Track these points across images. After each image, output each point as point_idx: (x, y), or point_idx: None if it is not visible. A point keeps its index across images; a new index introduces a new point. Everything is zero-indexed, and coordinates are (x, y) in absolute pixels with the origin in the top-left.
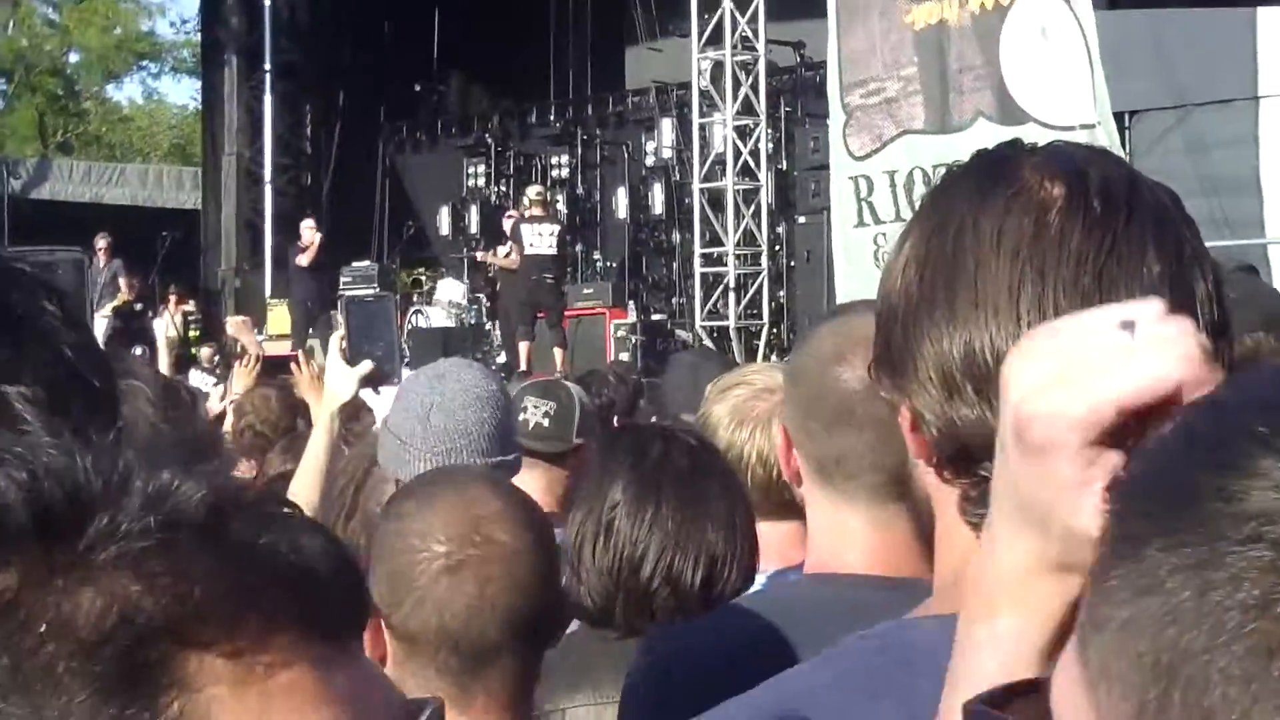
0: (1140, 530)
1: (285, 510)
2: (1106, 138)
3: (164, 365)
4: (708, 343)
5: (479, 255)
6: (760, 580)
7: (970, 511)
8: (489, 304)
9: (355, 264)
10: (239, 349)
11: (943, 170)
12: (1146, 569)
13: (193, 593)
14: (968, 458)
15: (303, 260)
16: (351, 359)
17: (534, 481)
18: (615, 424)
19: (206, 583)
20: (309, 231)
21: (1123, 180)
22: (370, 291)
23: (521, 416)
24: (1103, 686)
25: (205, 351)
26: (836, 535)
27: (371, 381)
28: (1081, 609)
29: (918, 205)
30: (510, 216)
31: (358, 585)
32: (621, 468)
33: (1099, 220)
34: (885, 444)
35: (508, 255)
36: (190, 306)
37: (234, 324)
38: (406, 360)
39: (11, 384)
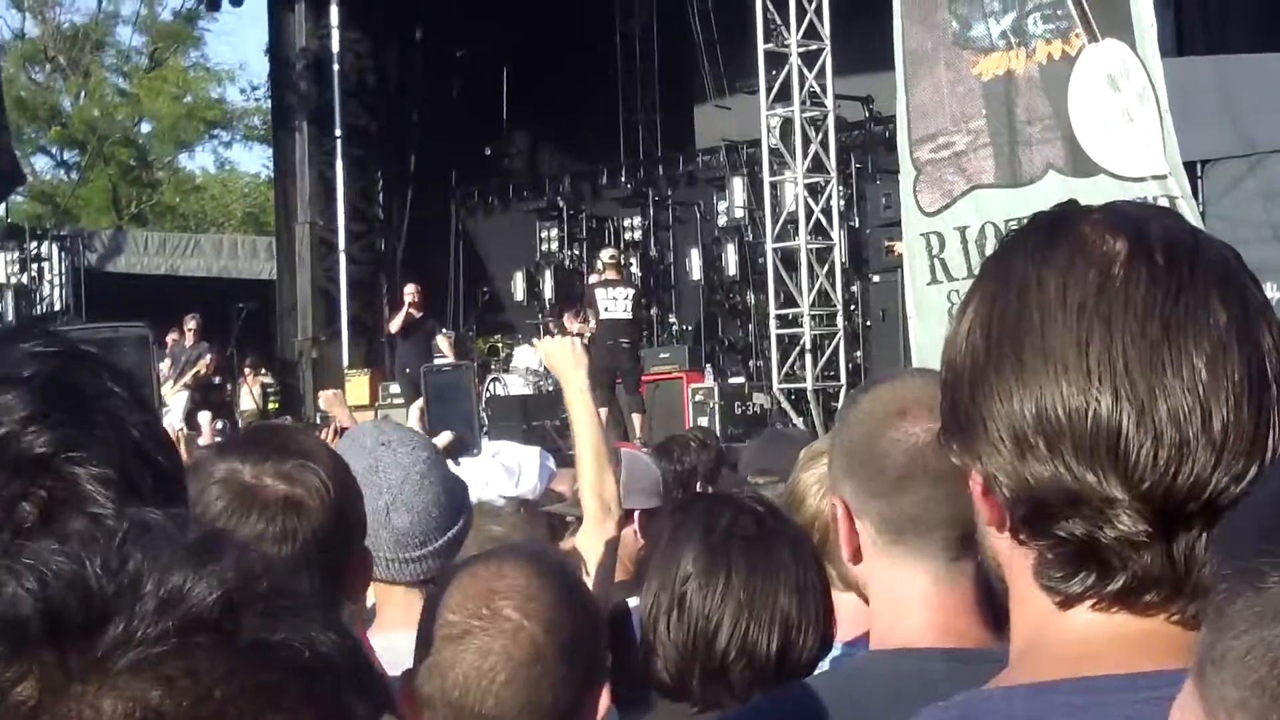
0: (1259, 566)
1: (296, 605)
2: (1178, 187)
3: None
4: (785, 406)
5: (552, 328)
6: (837, 648)
7: (1046, 575)
8: None
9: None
10: (319, 421)
11: (1014, 225)
12: (1267, 599)
13: (212, 695)
14: (1043, 517)
15: (394, 325)
16: (431, 429)
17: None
18: (698, 489)
19: (225, 684)
20: (410, 296)
21: (1184, 233)
22: (449, 361)
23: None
24: (1222, 717)
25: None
26: (900, 605)
27: (451, 452)
28: (1197, 648)
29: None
30: (591, 285)
31: (372, 677)
32: (691, 539)
33: (1163, 272)
34: (954, 498)
35: (582, 320)
36: (268, 378)
37: (326, 398)
38: (485, 429)
39: (81, 466)
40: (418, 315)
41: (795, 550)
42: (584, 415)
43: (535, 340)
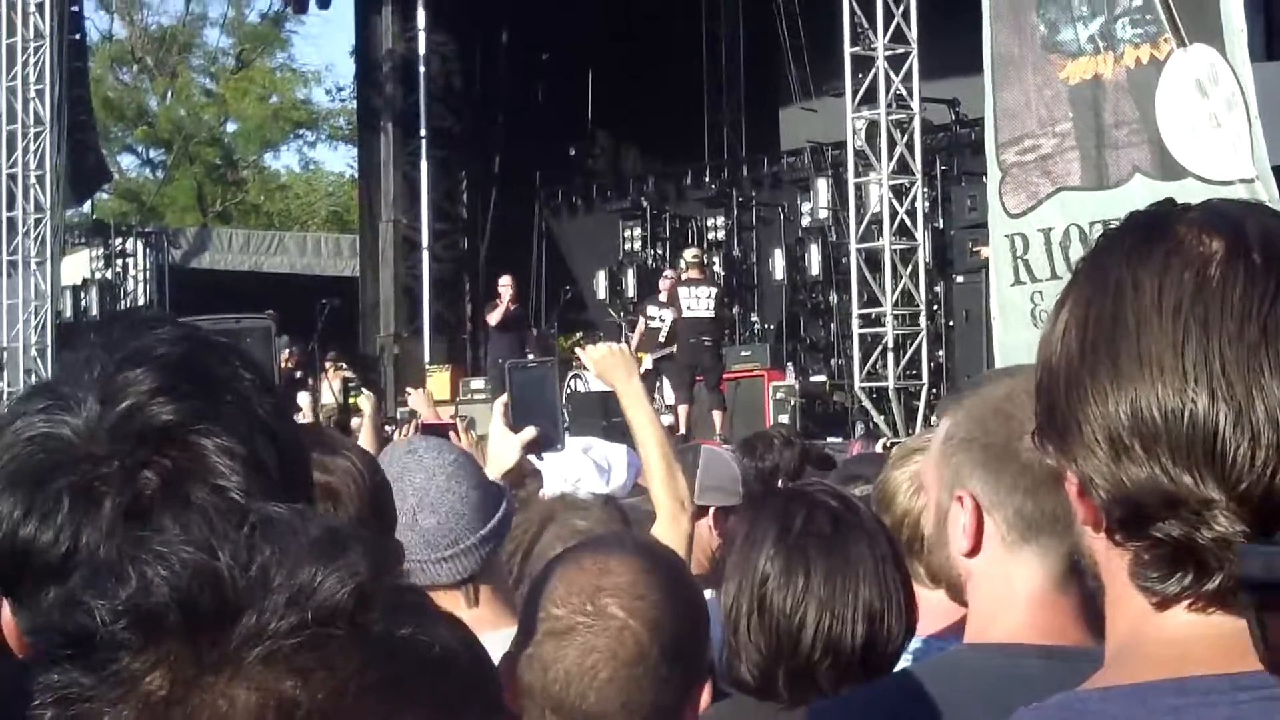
0: None
1: (420, 599)
2: (1265, 191)
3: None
4: (867, 404)
5: (631, 336)
6: (918, 643)
7: (1143, 576)
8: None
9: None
10: (402, 416)
11: (1099, 227)
12: None
13: (347, 687)
14: (1140, 519)
15: (492, 319)
16: (515, 425)
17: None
18: (780, 486)
19: (359, 677)
20: (505, 290)
21: None
22: (533, 358)
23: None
24: None
25: (355, 421)
26: (1006, 602)
27: (535, 448)
28: None
29: (1073, 265)
30: (667, 278)
31: (492, 673)
32: (767, 538)
33: (1261, 271)
34: None
35: (653, 328)
36: (349, 372)
37: (417, 396)
38: (567, 426)
39: (207, 437)
40: (513, 308)
41: (872, 542)
42: (644, 419)
43: (579, 349)
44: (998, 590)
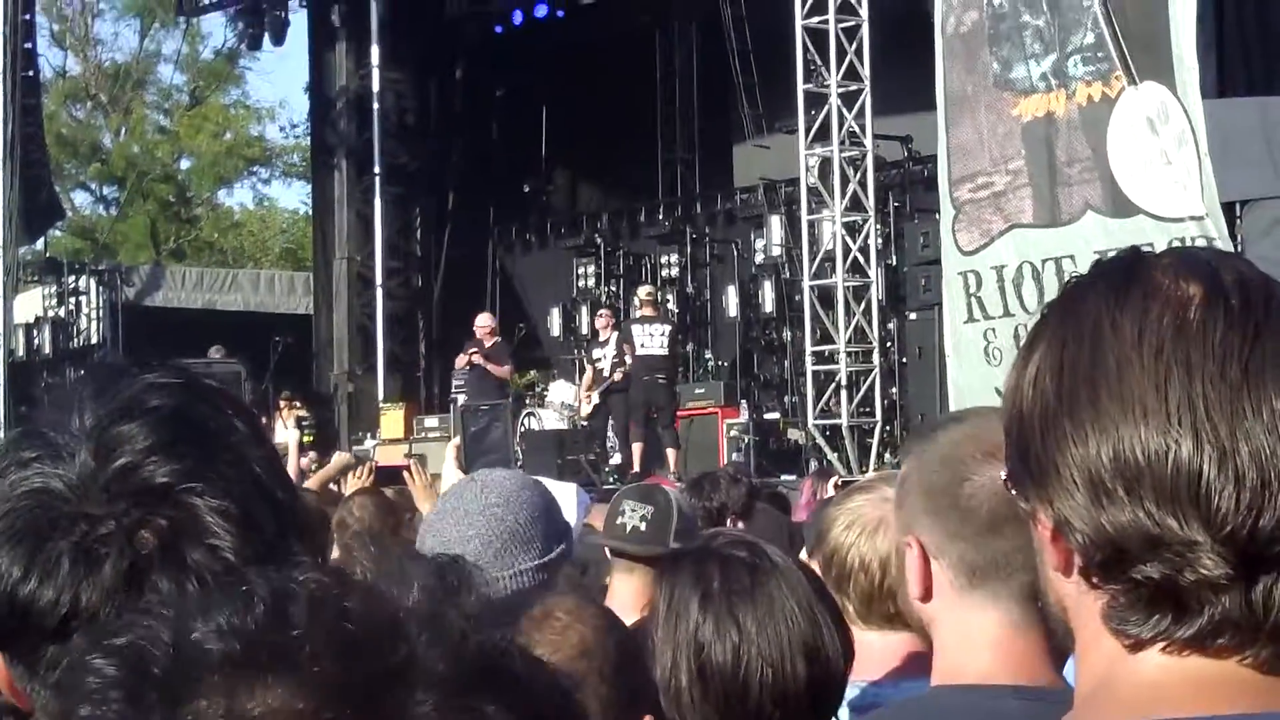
0: None
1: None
2: (1215, 229)
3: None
4: (820, 442)
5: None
6: (853, 690)
7: (1118, 618)
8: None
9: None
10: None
11: (1051, 265)
12: None
13: None
14: (1121, 561)
15: (458, 361)
16: (467, 466)
17: (627, 586)
18: (730, 524)
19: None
20: (483, 331)
21: (1255, 276)
22: (487, 402)
23: (619, 520)
24: None
25: (304, 460)
26: (968, 642)
27: None
28: None
29: (1026, 302)
30: (601, 316)
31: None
32: (691, 605)
33: (1239, 315)
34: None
35: (599, 372)
36: (303, 411)
37: (413, 464)
38: (520, 464)
39: (201, 497)
40: (494, 341)
41: (790, 582)
42: None
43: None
44: (960, 632)
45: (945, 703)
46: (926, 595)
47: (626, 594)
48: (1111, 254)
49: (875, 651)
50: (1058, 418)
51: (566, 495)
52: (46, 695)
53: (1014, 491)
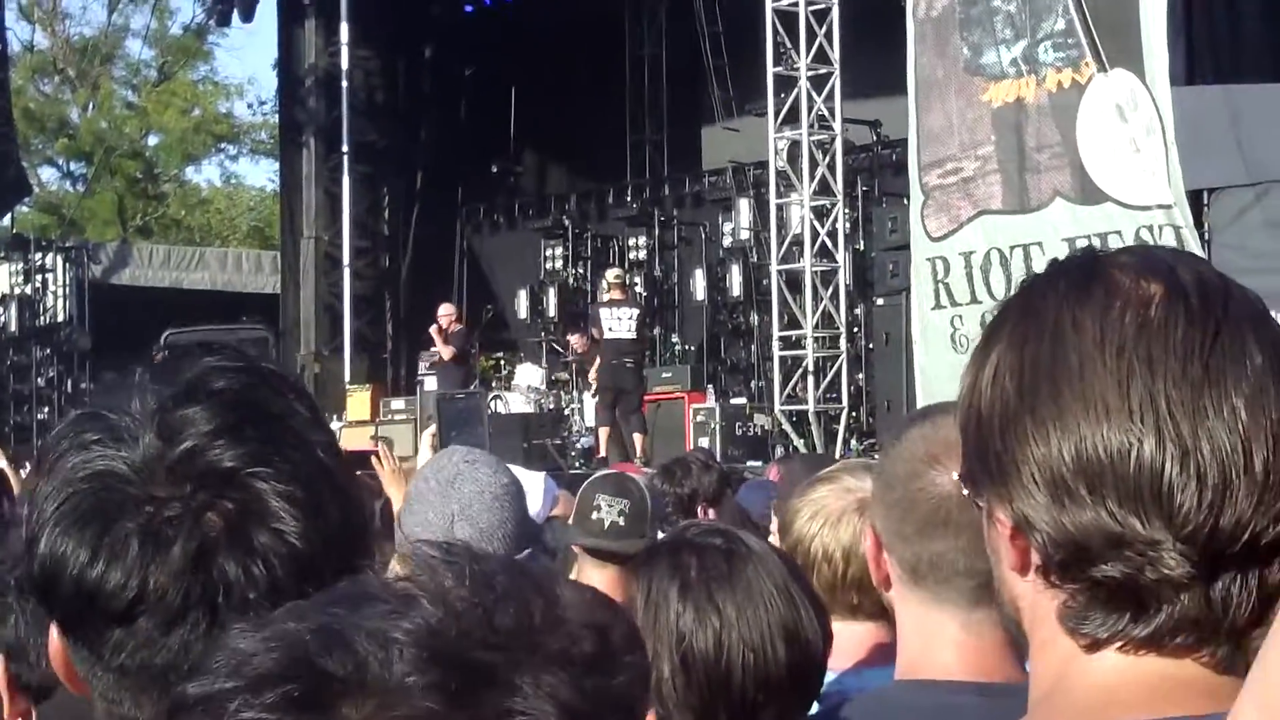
0: None
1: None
2: (1182, 217)
3: None
4: (787, 427)
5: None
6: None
7: (1076, 618)
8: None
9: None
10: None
11: (1019, 251)
12: None
13: None
14: (1082, 560)
15: (445, 353)
16: None
17: (600, 580)
18: (700, 511)
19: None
20: (447, 319)
21: (1213, 276)
22: (463, 390)
23: (595, 515)
24: None
25: None
26: (928, 638)
27: None
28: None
29: (993, 290)
30: (596, 304)
31: None
32: (670, 594)
33: (1199, 313)
34: (979, 548)
35: (586, 339)
36: None
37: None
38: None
39: (266, 481)
40: (457, 329)
41: (766, 565)
42: None
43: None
44: (917, 627)
45: (907, 698)
46: (885, 584)
47: (600, 588)
48: (1080, 242)
49: (839, 641)
50: (1019, 416)
51: (534, 484)
52: (109, 679)
53: (967, 491)
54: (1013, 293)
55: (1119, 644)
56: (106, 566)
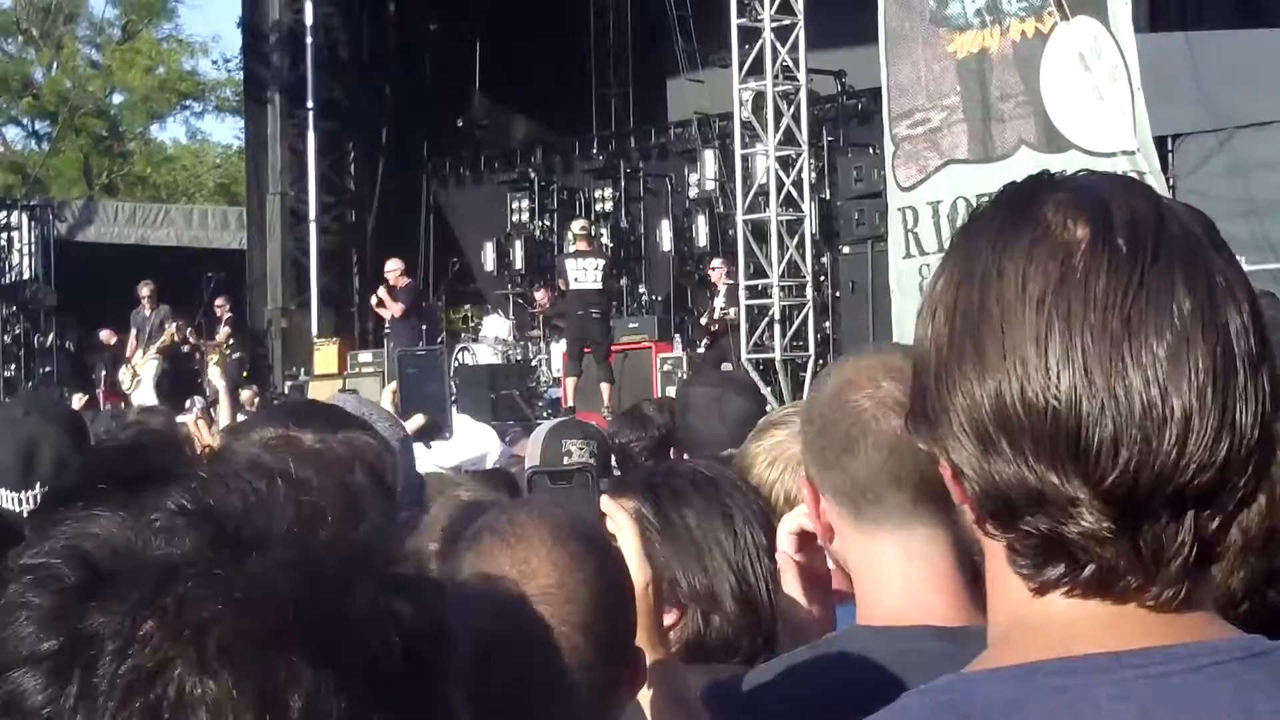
0: None
1: None
2: (1146, 163)
3: (226, 411)
4: (754, 376)
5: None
6: None
7: (1015, 564)
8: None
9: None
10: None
11: (986, 200)
12: None
13: None
14: (1009, 512)
15: (395, 311)
16: (404, 413)
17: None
18: (668, 455)
19: None
20: (393, 275)
21: (1149, 214)
22: (423, 346)
23: (568, 461)
24: None
25: (246, 394)
26: (877, 578)
27: (423, 435)
28: None
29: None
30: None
31: None
32: (656, 533)
33: (1125, 260)
34: (901, 460)
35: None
36: (233, 350)
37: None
38: (454, 400)
39: None
40: (405, 284)
41: (736, 488)
42: None
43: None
44: (865, 568)
45: (862, 645)
46: (827, 536)
47: None
48: None
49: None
50: (949, 363)
51: (488, 439)
52: None
53: (912, 433)
54: (959, 224)
55: (1064, 589)
56: None
